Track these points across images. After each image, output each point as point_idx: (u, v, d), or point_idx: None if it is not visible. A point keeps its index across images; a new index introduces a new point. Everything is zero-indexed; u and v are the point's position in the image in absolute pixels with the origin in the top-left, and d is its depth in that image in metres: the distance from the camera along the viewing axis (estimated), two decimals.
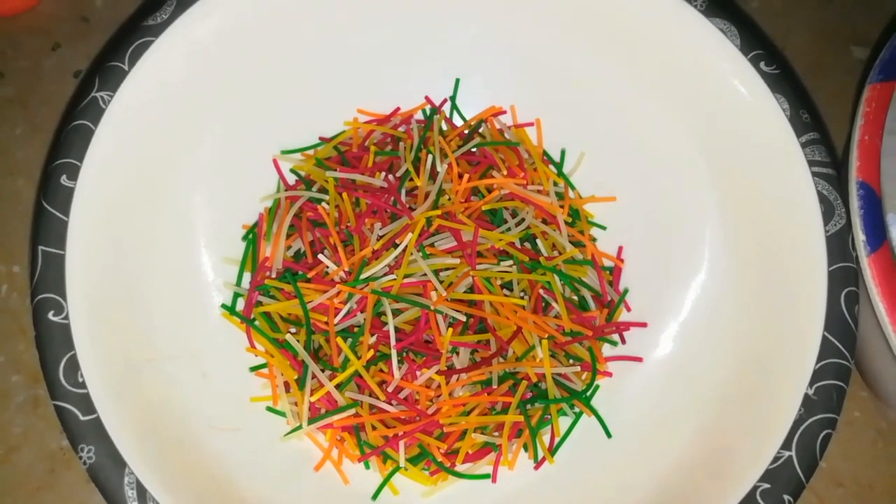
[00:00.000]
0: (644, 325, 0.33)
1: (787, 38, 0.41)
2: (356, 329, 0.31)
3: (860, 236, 0.28)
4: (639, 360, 0.33)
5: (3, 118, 0.39)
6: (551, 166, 0.36)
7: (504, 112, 0.36)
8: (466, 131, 0.36)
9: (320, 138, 0.35)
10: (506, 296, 0.32)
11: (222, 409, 0.30)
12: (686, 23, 0.31)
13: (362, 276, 0.31)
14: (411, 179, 0.33)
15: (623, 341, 0.34)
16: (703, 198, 0.33)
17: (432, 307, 0.31)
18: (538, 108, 0.36)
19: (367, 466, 0.32)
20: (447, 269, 0.32)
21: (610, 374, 0.33)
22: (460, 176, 0.33)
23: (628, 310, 0.34)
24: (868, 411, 0.36)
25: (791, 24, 0.41)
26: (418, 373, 0.31)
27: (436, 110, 0.35)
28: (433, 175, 0.33)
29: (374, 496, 0.31)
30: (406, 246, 0.31)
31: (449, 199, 0.33)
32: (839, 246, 0.29)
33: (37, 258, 0.27)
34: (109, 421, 0.26)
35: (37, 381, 0.35)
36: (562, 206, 0.34)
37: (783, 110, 0.30)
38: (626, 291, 0.34)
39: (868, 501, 0.35)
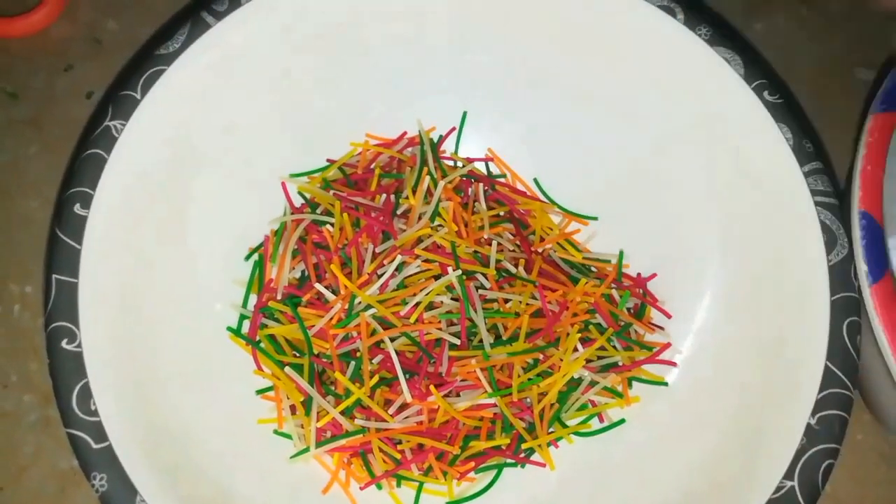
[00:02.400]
0: (667, 345, 0.33)
1: (790, 63, 0.41)
2: (358, 353, 0.31)
3: (862, 266, 0.28)
4: (673, 364, 0.33)
5: (16, 139, 0.39)
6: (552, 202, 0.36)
7: (491, 159, 0.36)
8: (460, 164, 0.36)
9: (328, 160, 0.36)
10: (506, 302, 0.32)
11: (230, 432, 0.30)
12: (691, 52, 0.32)
13: (355, 304, 0.31)
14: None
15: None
16: (705, 226, 0.33)
17: (423, 336, 0.31)
18: (542, 135, 0.36)
19: (380, 487, 0.32)
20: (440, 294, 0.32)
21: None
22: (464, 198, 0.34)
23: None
24: (871, 435, 0.36)
25: (795, 47, 0.42)
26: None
27: (431, 139, 0.36)
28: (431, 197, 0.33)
29: None
30: (393, 270, 0.32)
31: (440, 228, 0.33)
32: (841, 276, 0.29)
33: (50, 286, 0.28)
34: (121, 449, 0.26)
35: (48, 401, 0.35)
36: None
37: (786, 140, 0.30)
38: (644, 307, 0.34)
39: None
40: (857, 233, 0.29)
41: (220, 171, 0.33)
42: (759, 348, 0.31)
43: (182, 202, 0.32)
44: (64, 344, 0.27)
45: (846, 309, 0.29)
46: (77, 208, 0.28)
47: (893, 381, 0.27)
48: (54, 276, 0.28)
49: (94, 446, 0.26)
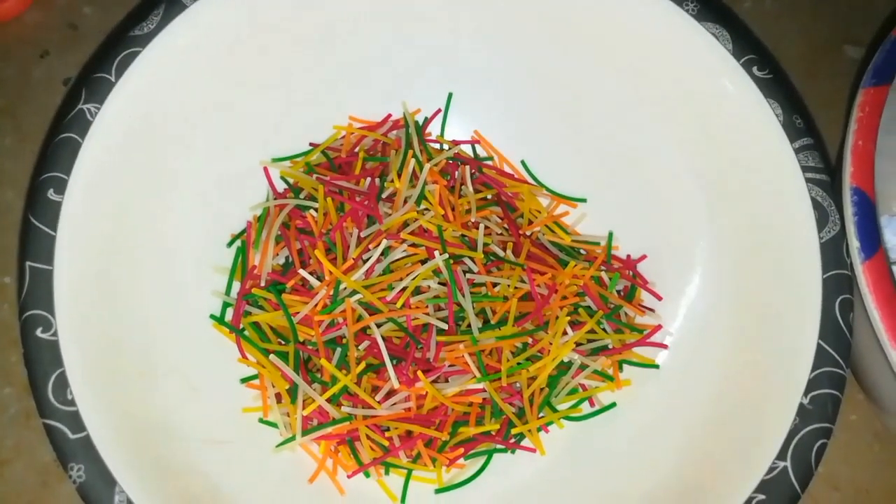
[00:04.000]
0: (659, 326, 0.33)
1: (779, 41, 0.41)
2: (344, 340, 0.31)
3: (854, 243, 0.28)
4: (664, 346, 0.33)
5: None
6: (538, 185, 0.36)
7: (478, 142, 0.36)
8: (446, 146, 0.35)
9: (311, 144, 0.35)
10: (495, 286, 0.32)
11: (213, 421, 0.30)
12: (678, 27, 0.31)
13: (340, 289, 0.31)
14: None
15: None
16: (694, 206, 0.33)
17: (410, 321, 0.31)
18: (528, 117, 0.35)
19: (368, 475, 0.31)
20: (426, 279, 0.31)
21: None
22: (453, 185, 0.33)
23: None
24: (865, 415, 0.36)
25: (784, 26, 0.41)
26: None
27: (416, 121, 0.35)
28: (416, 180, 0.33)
29: (402, 499, 0.31)
30: (378, 255, 0.31)
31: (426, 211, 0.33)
32: (833, 253, 0.29)
33: (24, 274, 0.27)
34: (99, 439, 0.26)
35: (29, 394, 0.34)
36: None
37: (776, 116, 0.30)
38: (633, 288, 0.34)
39: None
40: (848, 209, 0.28)
41: (199, 155, 0.32)
42: (750, 328, 0.30)
43: (160, 187, 0.31)
44: (39, 332, 0.26)
45: (838, 286, 0.28)
46: (51, 194, 0.28)
47: (886, 358, 0.27)
48: (28, 263, 0.27)
49: (71, 436, 0.26)
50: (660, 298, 0.33)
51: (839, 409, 0.28)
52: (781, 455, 0.27)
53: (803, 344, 0.28)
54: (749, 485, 0.27)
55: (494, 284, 0.32)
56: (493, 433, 0.32)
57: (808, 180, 0.29)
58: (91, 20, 0.40)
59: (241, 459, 0.30)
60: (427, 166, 0.33)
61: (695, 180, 0.32)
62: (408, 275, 0.31)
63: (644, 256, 0.34)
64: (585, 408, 0.33)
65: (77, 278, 0.27)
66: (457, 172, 0.35)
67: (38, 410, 0.26)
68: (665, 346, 0.33)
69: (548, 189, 0.36)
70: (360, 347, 0.31)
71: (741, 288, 0.31)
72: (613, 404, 0.33)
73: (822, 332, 0.28)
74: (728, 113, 0.31)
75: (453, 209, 0.33)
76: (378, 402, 0.31)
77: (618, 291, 0.34)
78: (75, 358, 0.26)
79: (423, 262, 0.32)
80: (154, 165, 0.31)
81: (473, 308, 0.31)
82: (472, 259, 0.32)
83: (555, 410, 0.33)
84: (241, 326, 0.32)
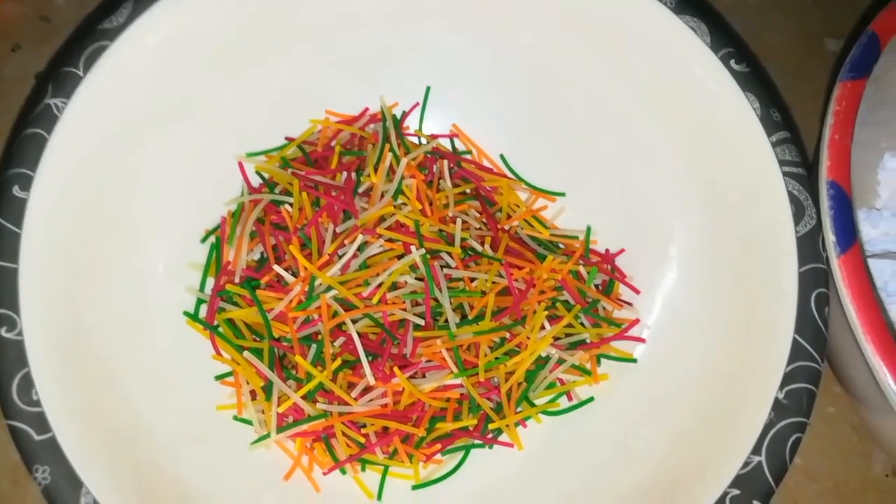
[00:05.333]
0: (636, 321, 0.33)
1: (761, 34, 0.40)
2: (320, 336, 0.30)
3: (830, 237, 0.28)
4: (642, 340, 0.32)
5: None
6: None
7: (456, 136, 0.35)
8: (424, 140, 0.35)
9: (286, 139, 0.34)
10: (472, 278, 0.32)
11: (186, 420, 0.30)
12: (656, 20, 0.31)
13: (316, 285, 0.30)
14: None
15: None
16: (672, 200, 0.32)
17: (386, 317, 0.30)
18: (507, 110, 0.35)
19: (344, 472, 0.31)
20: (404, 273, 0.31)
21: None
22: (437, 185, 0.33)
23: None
24: (842, 407, 0.36)
25: (766, 20, 0.41)
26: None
27: (394, 115, 0.35)
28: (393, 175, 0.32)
29: (379, 496, 0.31)
30: (354, 250, 0.31)
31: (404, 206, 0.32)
32: (810, 247, 0.28)
33: None
34: (65, 440, 0.25)
35: None
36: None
37: (754, 109, 0.30)
38: (611, 282, 0.34)
39: (843, 497, 0.35)
40: (825, 203, 0.28)
41: (171, 150, 0.32)
42: (726, 323, 0.30)
43: (131, 183, 0.30)
44: (3, 332, 0.26)
45: (814, 280, 0.28)
46: (16, 190, 0.27)
47: (861, 351, 0.26)
48: None
49: (36, 438, 0.25)
50: (637, 292, 0.33)
51: (814, 403, 0.28)
52: (756, 450, 0.27)
53: (779, 339, 0.28)
54: (724, 479, 0.27)
55: (472, 279, 0.32)
56: (471, 428, 0.31)
57: (784, 174, 0.29)
58: (64, 13, 0.40)
59: (215, 458, 0.29)
60: (404, 160, 0.33)
61: (672, 174, 0.32)
62: (384, 270, 0.31)
63: (622, 250, 0.34)
64: (563, 402, 0.33)
65: (43, 276, 0.27)
66: (435, 167, 0.35)
67: (2, 412, 0.26)
68: (643, 340, 0.33)
69: (526, 183, 0.35)
70: (335, 344, 0.31)
71: (717, 282, 0.31)
72: (591, 399, 0.33)
73: (797, 326, 0.28)
74: (705, 106, 0.30)
75: (431, 204, 0.33)
76: (354, 399, 0.30)
77: (596, 286, 0.34)
78: (41, 358, 0.26)
79: (400, 257, 0.31)
80: (124, 161, 0.30)
81: (451, 303, 0.31)
82: (449, 254, 0.32)
83: (532, 405, 0.33)
84: (216, 323, 0.32)
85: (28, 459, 0.25)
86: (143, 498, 0.26)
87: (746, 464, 0.27)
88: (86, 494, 0.25)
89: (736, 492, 0.27)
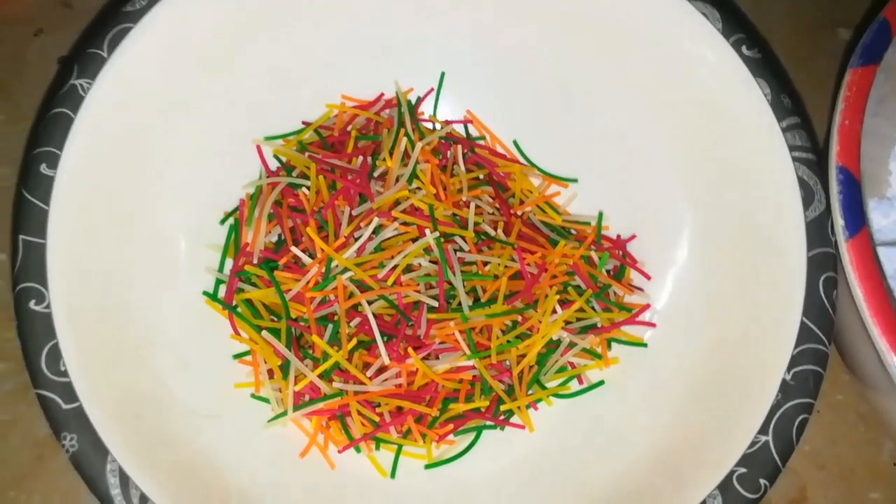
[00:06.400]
0: (652, 325, 0.33)
1: (771, 22, 0.41)
2: (336, 317, 0.31)
3: (839, 221, 0.28)
4: (652, 325, 0.33)
5: None
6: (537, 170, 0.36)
7: (470, 121, 0.36)
8: (438, 126, 0.36)
9: (303, 123, 0.35)
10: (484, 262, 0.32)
11: (205, 396, 0.30)
12: (668, 6, 0.31)
13: (332, 267, 0.31)
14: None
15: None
16: (683, 185, 0.33)
17: (401, 298, 0.31)
18: (521, 97, 0.35)
19: (359, 450, 0.32)
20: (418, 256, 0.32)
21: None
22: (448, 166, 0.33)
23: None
24: (850, 394, 0.36)
25: (776, 7, 0.41)
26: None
27: (409, 100, 0.35)
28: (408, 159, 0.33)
29: (392, 474, 0.31)
30: (370, 233, 0.31)
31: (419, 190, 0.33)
32: (818, 231, 0.29)
33: (18, 247, 0.27)
34: (91, 409, 0.26)
35: (25, 370, 0.35)
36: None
37: (764, 95, 0.30)
38: (623, 270, 0.34)
39: (850, 484, 0.35)
40: (834, 188, 0.29)
41: (192, 132, 0.32)
42: (735, 307, 0.30)
43: (153, 163, 0.31)
44: (32, 305, 0.27)
45: (823, 264, 0.29)
46: (44, 168, 0.28)
47: (868, 335, 0.27)
48: (21, 236, 0.27)
49: (64, 407, 0.26)
50: (648, 278, 0.34)
51: (821, 384, 0.28)
52: (763, 430, 0.28)
53: (787, 321, 0.28)
54: (732, 458, 0.27)
55: (485, 263, 0.33)
56: (483, 410, 0.32)
57: (794, 159, 0.30)
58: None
59: (232, 433, 0.30)
60: (419, 145, 0.33)
61: (683, 159, 0.33)
62: (399, 253, 0.32)
63: (633, 236, 0.34)
64: (574, 385, 0.34)
65: (69, 252, 0.28)
66: (449, 152, 0.35)
67: (31, 381, 0.26)
68: (653, 325, 0.33)
69: (539, 169, 0.36)
70: (351, 324, 0.31)
71: (727, 266, 0.31)
72: (602, 382, 0.33)
73: (805, 309, 0.28)
74: (717, 92, 0.31)
75: (445, 188, 0.33)
76: (369, 379, 0.31)
77: (607, 271, 0.34)
78: (68, 330, 0.27)
79: (415, 240, 0.32)
80: (147, 141, 0.31)
81: (464, 286, 0.32)
82: (462, 238, 0.32)
83: (544, 388, 0.33)
84: (234, 303, 0.32)
85: (56, 427, 0.26)
86: (164, 466, 0.27)
87: (753, 443, 0.28)
88: (111, 462, 0.26)
89: (743, 470, 0.27)
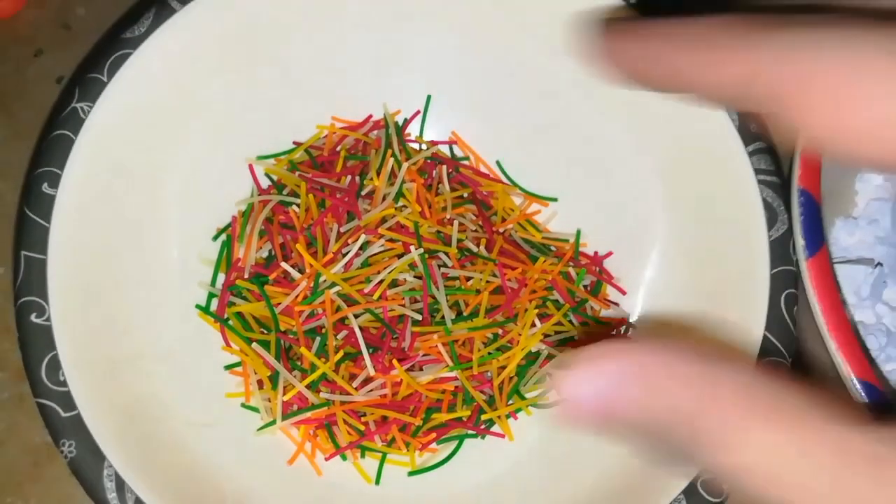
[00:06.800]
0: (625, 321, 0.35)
1: None
2: (324, 329, 0.32)
3: (800, 241, 0.30)
4: (627, 338, 0.34)
5: None
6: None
7: (455, 142, 0.37)
8: (424, 146, 0.37)
9: (294, 143, 0.36)
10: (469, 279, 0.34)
11: (198, 405, 0.31)
12: None
13: (320, 282, 0.32)
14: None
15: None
16: (655, 204, 0.34)
17: (386, 312, 0.32)
18: (505, 119, 0.37)
19: (345, 458, 0.33)
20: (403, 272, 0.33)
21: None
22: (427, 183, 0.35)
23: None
24: None
25: None
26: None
27: (396, 122, 0.37)
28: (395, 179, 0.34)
29: (377, 481, 0.33)
30: (357, 249, 0.33)
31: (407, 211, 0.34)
32: (781, 250, 0.31)
33: (20, 263, 0.29)
34: (89, 417, 0.27)
35: (21, 379, 0.36)
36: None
37: (732, 120, 0.32)
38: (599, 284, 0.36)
39: None
40: (796, 209, 0.30)
41: (188, 152, 0.34)
42: (703, 320, 0.32)
43: (151, 183, 0.32)
44: (33, 318, 0.28)
45: (785, 281, 0.30)
46: (45, 187, 0.29)
47: (826, 348, 0.28)
48: (23, 252, 0.29)
49: (63, 415, 0.27)
50: (623, 293, 0.35)
51: None
52: None
53: (750, 335, 0.30)
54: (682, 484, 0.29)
55: (468, 278, 0.34)
56: (465, 419, 0.33)
57: (760, 182, 0.31)
58: (84, 21, 0.42)
59: (224, 440, 0.31)
60: (405, 165, 0.35)
61: (655, 181, 0.34)
62: (385, 268, 0.33)
63: (610, 253, 0.36)
64: (553, 396, 0.35)
65: (69, 267, 0.29)
66: (434, 171, 0.37)
67: (31, 390, 0.28)
68: (629, 338, 0.35)
69: (521, 188, 0.37)
70: (338, 337, 0.33)
71: (696, 282, 0.33)
72: None
73: (768, 324, 0.30)
74: (686, 118, 0.32)
75: (430, 206, 0.35)
76: (355, 389, 0.32)
77: (584, 286, 0.36)
78: (67, 342, 0.28)
79: (400, 256, 0.33)
80: (145, 161, 0.32)
81: (447, 300, 0.33)
82: (446, 254, 0.34)
83: (523, 398, 0.34)
84: (226, 316, 0.34)
85: (55, 434, 0.27)
86: (158, 471, 0.28)
87: None
88: (108, 467, 0.27)
89: (708, 475, 0.29)
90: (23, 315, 0.28)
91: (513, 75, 0.36)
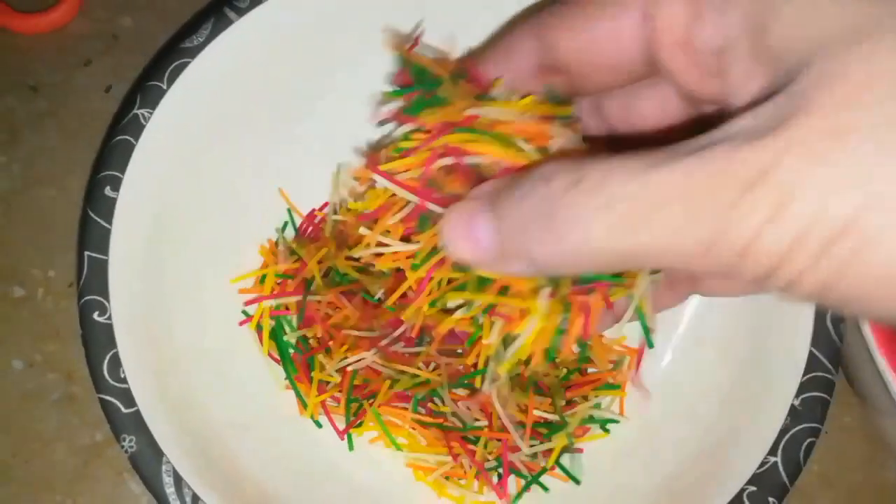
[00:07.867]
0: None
1: None
2: None
3: None
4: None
5: (36, 130, 0.40)
6: None
7: None
8: None
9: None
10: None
11: (236, 406, 0.32)
12: None
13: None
14: None
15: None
16: None
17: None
18: None
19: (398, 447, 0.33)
20: None
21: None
22: None
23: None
24: (858, 418, 0.38)
25: None
26: None
27: None
28: None
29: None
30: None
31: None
32: None
33: (83, 263, 0.29)
34: (148, 414, 0.28)
35: (70, 379, 0.37)
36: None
37: None
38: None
39: (857, 502, 0.37)
40: None
41: (242, 160, 0.34)
42: (747, 335, 0.32)
43: (207, 190, 0.33)
44: (96, 316, 0.29)
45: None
46: (108, 190, 0.30)
47: (875, 363, 0.29)
48: (86, 252, 0.29)
49: (124, 411, 0.28)
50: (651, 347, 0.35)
51: (828, 410, 0.30)
52: (773, 451, 0.29)
53: (796, 350, 0.30)
54: (743, 476, 0.29)
55: None
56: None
57: None
58: (130, 31, 0.42)
59: (265, 441, 0.32)
60: None
61: None
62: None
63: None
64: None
65: (129, 267, 0.30)
66: None
67: (94, 386, 0.28)
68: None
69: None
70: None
71: (740, 300, 0.33)
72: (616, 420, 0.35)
73: (813, 339, 0.30)
74: None
75: None
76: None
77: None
78: (127, 340, 0.29)
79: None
80: (199, 167, 0.33)
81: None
82: None
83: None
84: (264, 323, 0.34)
85: (116, 429, 0.28)
86: (211, 470, 0.29)
87: (763, 463, 0.29)
88: (166, 463, 0.27)
89: (753, 488, 0.29)
90: (86, 313, 0.29)
91: None
